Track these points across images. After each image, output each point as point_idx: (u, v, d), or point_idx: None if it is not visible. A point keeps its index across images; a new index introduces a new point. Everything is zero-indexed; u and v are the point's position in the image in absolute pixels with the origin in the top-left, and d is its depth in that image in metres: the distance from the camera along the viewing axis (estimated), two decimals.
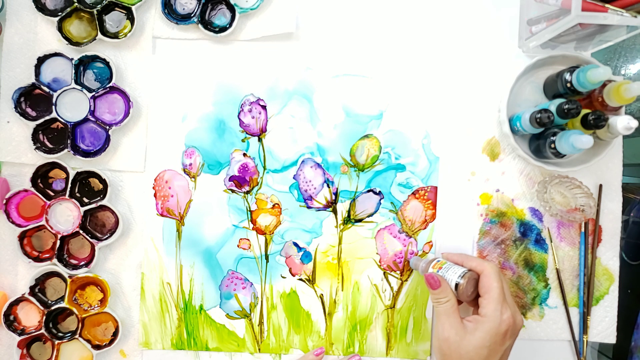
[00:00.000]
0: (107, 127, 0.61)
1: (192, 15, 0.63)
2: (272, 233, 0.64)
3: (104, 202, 0.61)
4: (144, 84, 0.64)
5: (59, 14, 0.61)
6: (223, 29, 0.63)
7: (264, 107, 0.64)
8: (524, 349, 0.63)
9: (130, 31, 0.62)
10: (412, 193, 0.64)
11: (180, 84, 0.64)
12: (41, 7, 0.61)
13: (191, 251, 0.63)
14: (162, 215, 0.63)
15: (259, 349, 0.63)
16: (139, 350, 0.63)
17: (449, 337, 0.50)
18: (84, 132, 0.63)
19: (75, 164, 0.62)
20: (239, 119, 0.64)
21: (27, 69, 0.62)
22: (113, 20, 0.63)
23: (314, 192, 0.64)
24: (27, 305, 0.61)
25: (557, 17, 0.56)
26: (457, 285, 0.53)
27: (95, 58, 0.62)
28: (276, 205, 0.64)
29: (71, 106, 0.62)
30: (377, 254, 0.64)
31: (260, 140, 0.64)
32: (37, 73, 0.61)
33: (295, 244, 0.64)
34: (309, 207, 0.64)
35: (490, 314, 0.50)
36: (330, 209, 0.64)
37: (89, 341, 0.61)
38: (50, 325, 0.61)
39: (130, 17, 0.62)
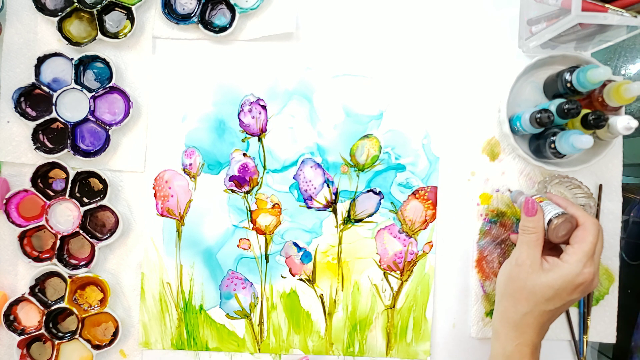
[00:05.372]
0: (107, 127, 0.61)
1: (192, 15, 0.63)
2: (272, 233, 0.64)
3: (104, 202, 0.61)
4: (144, 84, 0.64)
5: (59, 14, 0.61)
6: (223, 29, 0.63)
7: (264, 107, 0.64)
8: None
9: (130, 31, 0.62)
10: (412, 193, 0.64)
11: (180, 84, 0.64)
12: (41, 7, 0.61)
13: (191, 251, 0.63)
14: (162, 215, 0.63)
15: (259, 349, 0.63)
16: (139, 350, 0.63)
17: (522, 264, 0.50)
18: (84, 132, 0.63)
19: (75, 164, 0.62)
20: (239, 119, 0.64)
21: (27, 69, 0.62)
22: (113, 20, 0.63)
23: (314, 192, 0.64)
24: (27, 305, 0.61)
25: (557, 17, 0.56)
26: (549, 221, 0.51)
27: (95, 58, 0.62)
28: (276, 205, 0.64)
29: (71, 106, 0.62)
30: (377, 254, 0.64)
31: (260, 140, 0.64)
32: (37, 73, 0.61)
33: (295, 244, 0.64)
34: (309, 207, 0.64)
35: (573, 262, 0.48)
36: (330, 209, 0.64)
37: (89, 341, 0.61)
38: (50, 325, 0.61)
39: (130, 17, 0.62)
